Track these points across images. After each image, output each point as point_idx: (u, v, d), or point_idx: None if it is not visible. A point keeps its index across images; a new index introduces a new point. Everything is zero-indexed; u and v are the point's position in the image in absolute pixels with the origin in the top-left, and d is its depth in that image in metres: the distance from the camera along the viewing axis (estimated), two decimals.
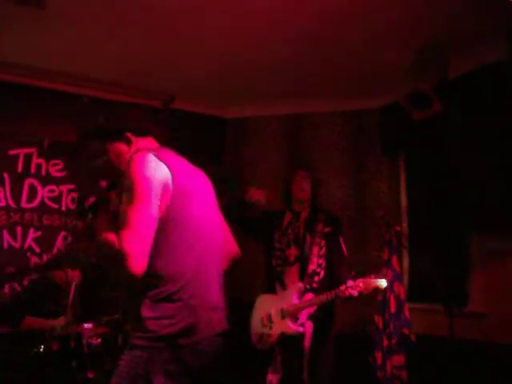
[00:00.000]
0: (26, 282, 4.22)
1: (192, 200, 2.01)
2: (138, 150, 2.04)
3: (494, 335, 3.69)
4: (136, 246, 1.79)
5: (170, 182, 1.91)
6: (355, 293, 3.10)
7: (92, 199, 2.10)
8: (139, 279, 1.81)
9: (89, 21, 3.63)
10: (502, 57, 3.31)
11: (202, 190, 2.12)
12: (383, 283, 3.13)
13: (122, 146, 2.13)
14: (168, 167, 1.93)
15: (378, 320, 3.84)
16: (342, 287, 3.14)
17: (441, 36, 3.54)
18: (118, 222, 1.86)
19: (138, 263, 1.78)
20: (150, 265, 1.85)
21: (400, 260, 4.14)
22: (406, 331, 3.72)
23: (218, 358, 1.98)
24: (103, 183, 2.18)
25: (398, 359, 3.73)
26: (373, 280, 3.16)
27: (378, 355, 3.79)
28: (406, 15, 3.41)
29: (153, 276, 1.87)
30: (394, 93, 4.39)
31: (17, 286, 4.24)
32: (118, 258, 1.79)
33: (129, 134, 2.12)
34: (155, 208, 1.86)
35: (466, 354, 3.67)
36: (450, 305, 3.67)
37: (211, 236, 2.09)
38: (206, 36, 3.81)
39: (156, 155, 1.94)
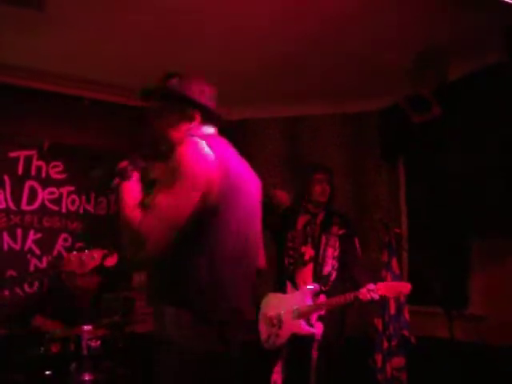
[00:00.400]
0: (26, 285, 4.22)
1: (237, 199, 1.86)
2: (192, 134, 1.88)
3: (494, 338, 3.69)
4: (156, 234, 1.67)
5: (216, 176, 1.77)
6: (376, 296, 3.09)
7: (124, 164, 1.91)
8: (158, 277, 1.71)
9: (88, 22, 3.62)
10: (503, 58, 3.32)
11: (249, 190, 1.98)
12: (408, 288, 3.13)
13: (184, 123, 1.96)
14: (219, 160, 1.79)
15: (378, 322, 3.83)
16: (364, 290, 3.11)
17: (441, 38, 3.54)
18: (143, 194, 1.75)
19: (151, 252, 1.67)
20: (180, 266, 1.75)
21: (399, 262, 4.14)
22: (405, 333, 3.72)
23: (242, 367, 1.92)
24: (138, 151, 1.99)
25: (398, 361, 3.72)
26: (398, 284, 3.18)
27: (378, 357, 3.79)
28: (406, 17, 3.41)
29: (180, 280, 1.76)
30: (394, 95, 4.39)
31: (18, 290, 4.24)
32: (133, 239, 1.69)
33: (196, 113, 1.96)
34: (192, 202, 1.71)
35: (466, 356, 3.66)
36: (450, 307, 3.66)
37: (249, 243, 1.92)
38: (206, 36, 3.81)
39: (209, 145, 1.80)
